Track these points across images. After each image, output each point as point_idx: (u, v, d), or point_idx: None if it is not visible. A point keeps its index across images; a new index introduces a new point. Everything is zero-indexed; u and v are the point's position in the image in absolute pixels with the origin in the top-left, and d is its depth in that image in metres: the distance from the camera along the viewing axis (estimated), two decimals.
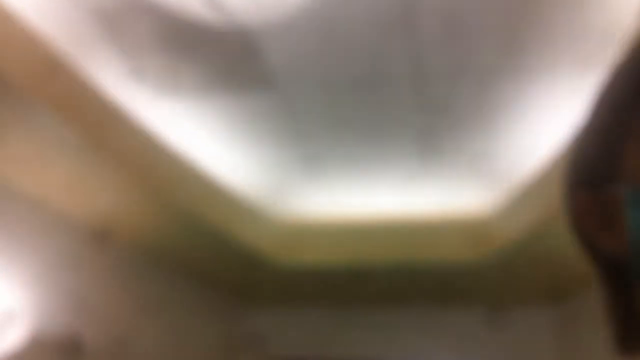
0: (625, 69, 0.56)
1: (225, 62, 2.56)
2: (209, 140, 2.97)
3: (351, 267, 3.38)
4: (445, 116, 2.75)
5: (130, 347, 3.26)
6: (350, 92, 2.68)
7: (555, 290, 3.41)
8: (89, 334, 3.07)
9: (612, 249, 0.55)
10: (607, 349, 0.60)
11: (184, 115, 2.82)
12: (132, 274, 3.36)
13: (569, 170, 0.60)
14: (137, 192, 2.90)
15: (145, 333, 3.37)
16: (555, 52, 2.28)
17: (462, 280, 3.31)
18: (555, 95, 2.52)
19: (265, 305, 3.87)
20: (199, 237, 3.21)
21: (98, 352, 3.10)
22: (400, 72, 2.56)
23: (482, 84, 2.56)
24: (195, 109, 2.80)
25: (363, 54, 2.48)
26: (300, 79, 2.63)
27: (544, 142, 2.75)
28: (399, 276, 3.35)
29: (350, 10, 2.28)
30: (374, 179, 3.15)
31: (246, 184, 3.22)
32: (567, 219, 0.59)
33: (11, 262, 2.76)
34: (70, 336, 2.96)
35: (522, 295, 3.49)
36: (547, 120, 2.66)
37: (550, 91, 2.51)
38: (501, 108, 2.65)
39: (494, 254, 3.11)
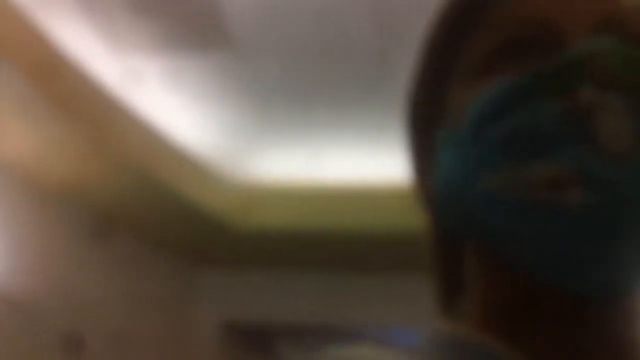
0: (443, 18, 0.54)
1: (185, 21, 2.50)
2: (166, 100, 2.92)
3: (309, 232, 3.38)
4: (408, 85, 2.74)
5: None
6: (313, 55, 2.64)
7: None
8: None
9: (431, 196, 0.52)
10: None
11: (142, 74, 2.77)
12: (90, 241, 3.31)
13: (404, 118, 0.57)
14: (91, 150, 2.84)
15: (104, 297, 3.33)
16: None
17: (420, 248, 3.33)
18: None
19: (224, 270, 3.85)
20: (156, 199, 3.17)
21: (95, 343, 3.09)
22: (366, 38, 2.53)
23: None
24: (153, 68, 2.74)
25: (327, 17, 2.45)
26: (261, 40, 2.58)
27: None
28: (357, 242, 3.36)
29: None
30: (333, 144, 3.14)
31: (204, 146, 3.18)
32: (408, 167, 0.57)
33: None
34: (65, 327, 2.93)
35: None
36: None
37: None
38: None
39: None
